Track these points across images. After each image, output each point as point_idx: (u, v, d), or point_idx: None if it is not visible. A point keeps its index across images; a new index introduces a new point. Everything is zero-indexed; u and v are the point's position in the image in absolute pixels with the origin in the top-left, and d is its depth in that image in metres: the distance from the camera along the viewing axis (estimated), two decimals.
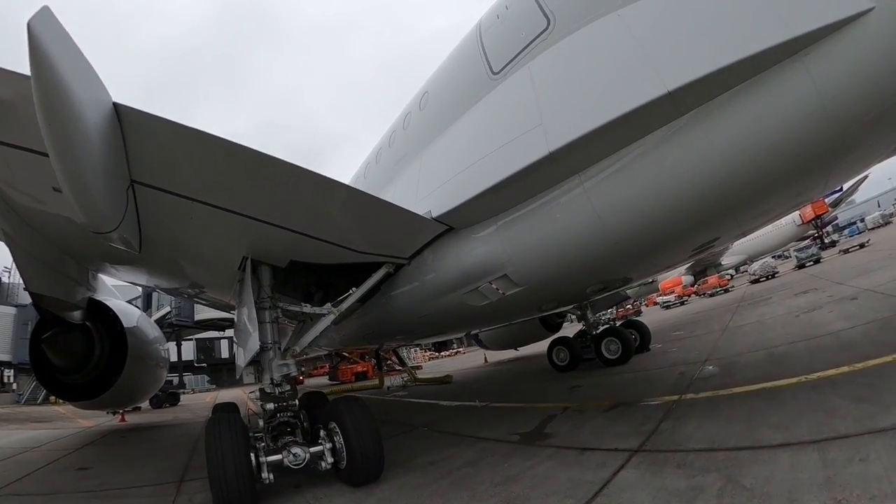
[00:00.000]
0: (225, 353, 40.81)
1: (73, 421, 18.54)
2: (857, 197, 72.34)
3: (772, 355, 7.84)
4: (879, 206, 70.58)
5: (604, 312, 13.63)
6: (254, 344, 5.37)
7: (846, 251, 30.92)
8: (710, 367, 8.20)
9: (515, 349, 19.74)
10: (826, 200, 42.92)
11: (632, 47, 4.01)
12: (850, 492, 2.78)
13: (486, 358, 23.47)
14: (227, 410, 5.78)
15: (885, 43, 3.36)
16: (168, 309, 20.08)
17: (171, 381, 25.36)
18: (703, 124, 3.94)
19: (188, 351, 36.11)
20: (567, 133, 4.23)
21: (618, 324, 14.11)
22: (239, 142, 4.27)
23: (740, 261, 47.30)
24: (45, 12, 2.86)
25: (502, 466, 4.94)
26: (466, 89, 5.97)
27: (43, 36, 2.80)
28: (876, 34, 3.33)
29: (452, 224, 5.72)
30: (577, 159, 4.48)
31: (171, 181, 4.48)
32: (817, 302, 12.76)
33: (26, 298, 25.53)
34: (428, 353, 42.32)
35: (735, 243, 45.91)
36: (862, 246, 29.70)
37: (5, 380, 31.60)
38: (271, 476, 4.91)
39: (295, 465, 5.01)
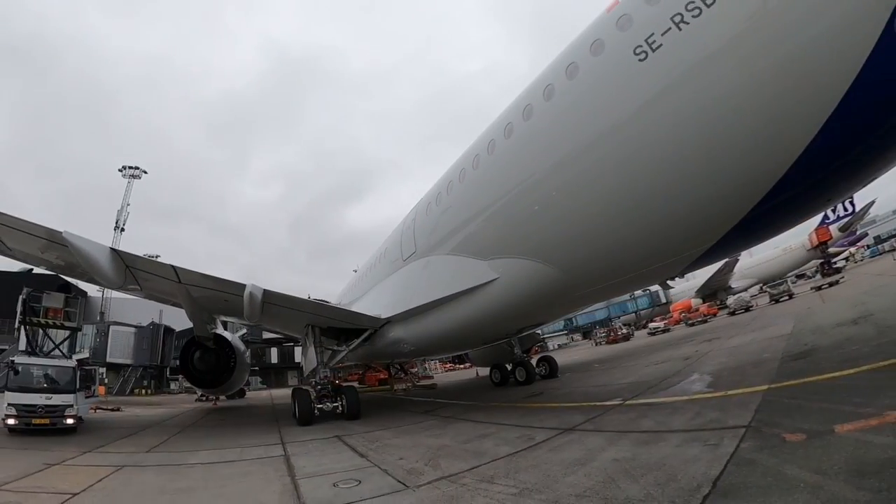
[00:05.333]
0: (274, 360, 51.78)
1: (175, 406, 29.21)
2: None
3: (553, 395, 14.94)
4: None
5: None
6: (313, 363, 14.80)
7: (819, 288, 34.55)
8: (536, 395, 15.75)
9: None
10: (833, 226, 47.44)
11: (419, 278, 13.70)
12: None
13: (477, 373, 31.78)
14: (300, 390, 15.33)
15: (507, 290, 11.53)
16: (245, 330, 30.51)
17: None
18: (446, 306, 13.17)
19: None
20: (401, 306, 13.82)
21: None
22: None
23: (750, 284, 52.29)
24: (69, 234, 11.94)
25: (400, 413, 14.10)
26: (396, 260, 15.70)
27: (74, 240, 11.93)
28: (502, 286, 11.59)
29: (389, 320, 15.08)
30: (414, 311, 13.69)
31: (143, 265, 13.62)
32: (686, 354, 18.07)
33: (118, 317, 37.14)
34: (447, 364, 51.12)
35: (745, 267, 51.31)
36: (831, 285, 33.38)
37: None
38: (317, 412, 14.25)
39: (327, 409, 14.33)
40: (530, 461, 6.60)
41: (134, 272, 13.44)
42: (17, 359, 15.35)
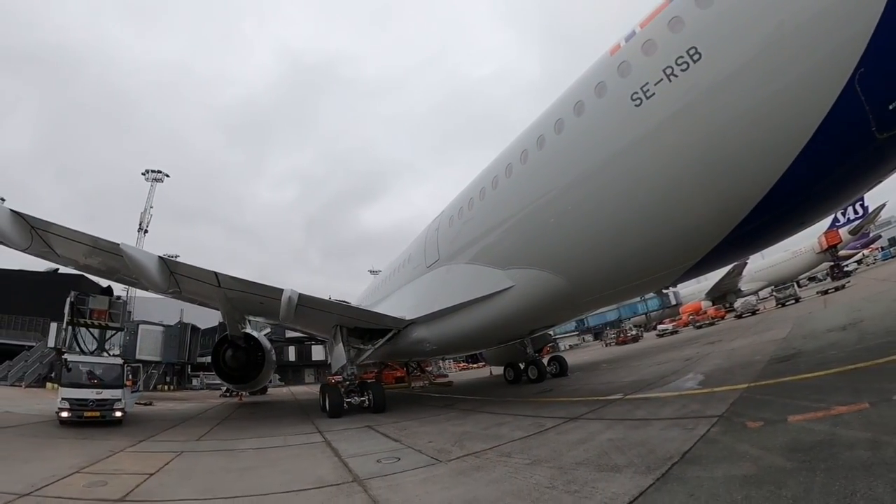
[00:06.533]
0: (292, 357, 53.65)
1: (202, 401, 31.04)
2: None
3: (562, 391, 16.69)
4: None
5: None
6: (341, 361, 16.33)
7: (825, 293, 35.72)
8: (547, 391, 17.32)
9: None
10: (843, 230, 48.03)
11: (442, 283, 15.28)
12: None
13: (491, 371, 33.20)
14: (329, 386, 16.82)
15: (520, 297, 13.18)
16: (269, 329, 32.48)
17: None
18: (467, 309, 14.81)
19: None
20: (425, 309, 15.37)
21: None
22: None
23: (760, 287, 53.00)
24: (125, 246, 13.80)
25: (421, 408, 15.69)
26: (420, 266, 17.23)
27: (129, 250, 13.78)
28: (516, 293, 13.20)
29: (413, 321, 16.60)
30: (437, 314, 15.29)
31: (187, 271, 15.06)
32: (687, 356, 19.56)
33: (143, 316, 38.89)
34: (461, 364, 52.72)
35: (755, 270, 52.05)
36: (837, 289, 34.42)
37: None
38: (346, 405, 15.82)
39: (354, 403, 15.97)
40: (541, 442, 8.05)
41: (177, 277, 15.00)
42: (70, 357, 16.78)
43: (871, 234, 57.50)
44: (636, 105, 9.05)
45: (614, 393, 12.84)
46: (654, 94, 8.85)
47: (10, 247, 13.14)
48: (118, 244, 13.78)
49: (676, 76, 8.60)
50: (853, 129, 7.50)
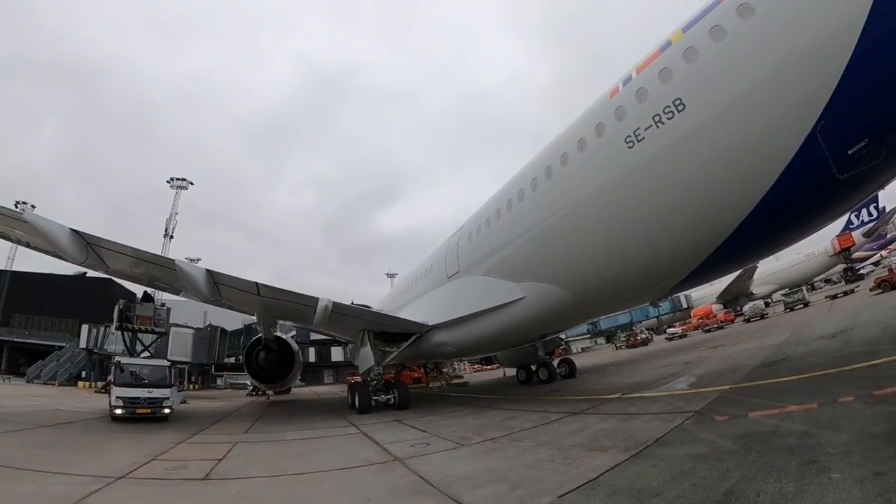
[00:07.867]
0: (312, 358, 55.83)
1: (231, 399, 33.20)
2: None
3: (569, 390, 18.77)
4: None
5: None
6: (369, 362, 18.20)
7: (834, 297, 36.56)
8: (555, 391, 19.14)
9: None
10: (857, 232, 48.55)
11: (462, 293, 17.23)
12: None
13: (504, 373, 35.03)
14: (358, 384, 18.72)
15: (530, 307, 15.02)
16: (294, 332, 34.66)
17: None
18: (484, 316, 16.55)
19: None
20: (446, 316, 17.37)
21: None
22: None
23: (773, 290, 53.62)
24: (179, 261, 15.70)
25: (441, 405, 17.41)
26: (441, 276, 19.24)
27: (182, 265, 15.57)
28: (527, 304, 15.06)
29: (434, 326, 18.52)
30: (457, 320, 17.21)
31: (229, 281, 16.68)
32: (688, 359, 21.09)
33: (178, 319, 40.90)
34: (476, 365, 54.41)
35: (767, 273, 52.77)
36: (846, 294, 35.32)
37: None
38: (373, 402, 17.70)
39: (381, 401, 17.89)
40: (546, 430, 9.81)
41: (220, 287, 16.85)
42: (122, 360, 18.53)
43: (888, 236, 57.74)
44: (629, 147, 10.72)
45: (615, 392, 14.50)
46: (644, 138, 10.48)
47: (69, 261, 14.95)
48: (174, 260, 15.80)
49: (664, 123, 10.21)
50: (816, 170, 8.99)
